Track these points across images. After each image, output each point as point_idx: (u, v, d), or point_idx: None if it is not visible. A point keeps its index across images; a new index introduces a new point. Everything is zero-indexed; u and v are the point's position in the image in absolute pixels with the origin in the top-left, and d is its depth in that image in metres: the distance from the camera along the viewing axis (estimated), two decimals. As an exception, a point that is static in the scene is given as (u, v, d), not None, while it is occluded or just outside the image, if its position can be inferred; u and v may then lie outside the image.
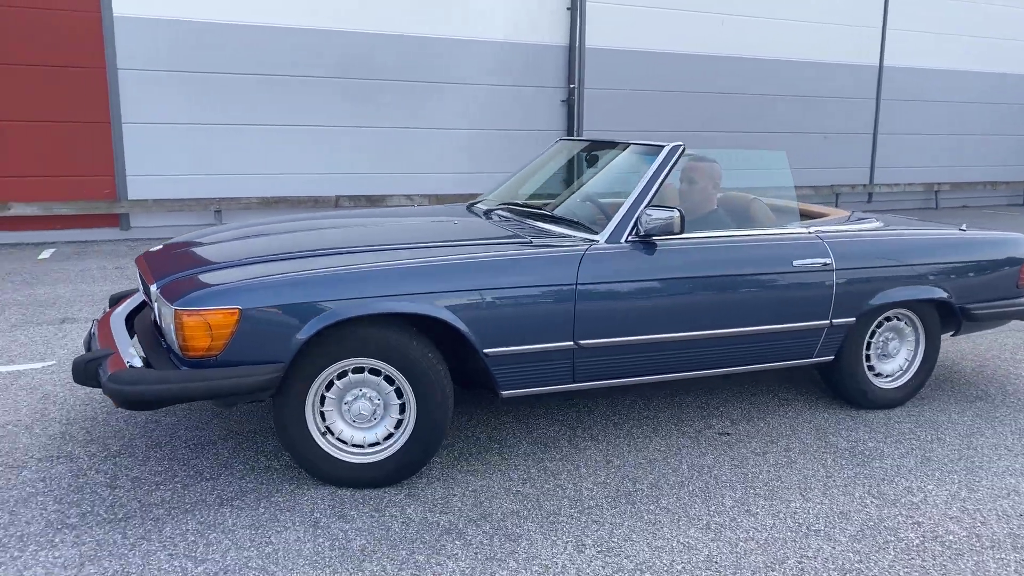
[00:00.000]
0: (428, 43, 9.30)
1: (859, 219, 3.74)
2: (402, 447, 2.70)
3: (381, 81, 9.20)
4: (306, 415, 2.63)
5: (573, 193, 3.66)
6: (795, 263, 3.19)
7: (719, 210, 3.45)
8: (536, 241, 2.99)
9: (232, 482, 2.79)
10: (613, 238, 2.99)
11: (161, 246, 3.31)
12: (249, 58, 8.67)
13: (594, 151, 3.70)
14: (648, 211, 2.94)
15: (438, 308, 2.62)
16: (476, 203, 3.88)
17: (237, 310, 2.44)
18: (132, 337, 2.90)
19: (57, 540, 2.39)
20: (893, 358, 3.62)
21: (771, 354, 3.28)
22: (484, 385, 2.95)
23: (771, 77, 11.24)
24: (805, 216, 3.91)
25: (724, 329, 3.10)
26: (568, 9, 9.83)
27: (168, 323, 2.51)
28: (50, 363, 4.09)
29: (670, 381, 3.53)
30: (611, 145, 3.71)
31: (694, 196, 3.45)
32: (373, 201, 9.38)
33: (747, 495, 2.77)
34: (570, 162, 3.82)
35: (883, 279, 3.37)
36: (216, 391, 2.43)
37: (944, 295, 3.52)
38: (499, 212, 3.59)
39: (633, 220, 3.00)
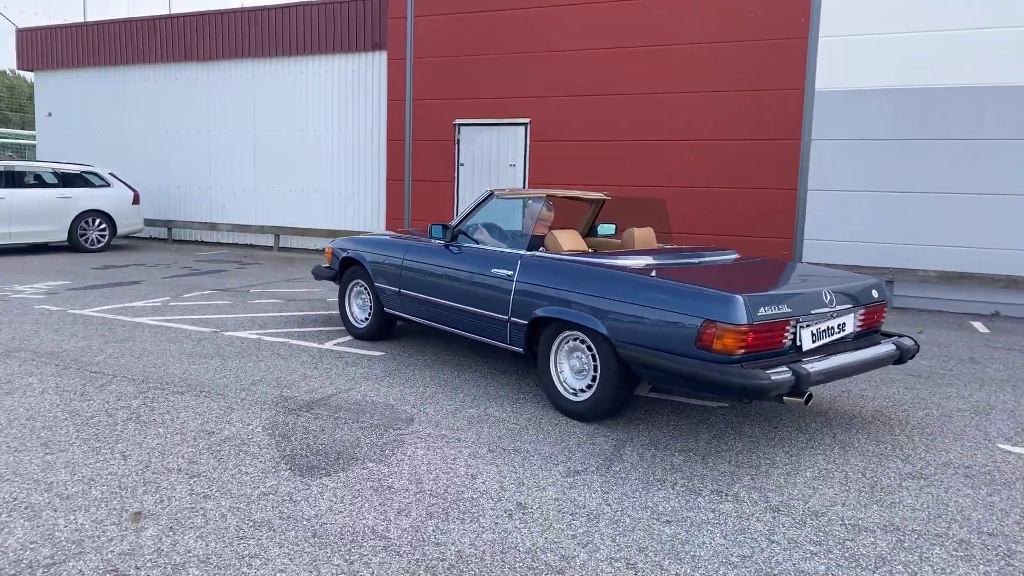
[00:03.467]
0: None
1: (637, 254, 4.43)
2: (370, 323, 5.93)
3: None
4: (346, 299, 6.13)
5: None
6: (492, 271, 4.64)
7: (536, 236, 4.71)
8: (418, 235, 5.79)
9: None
10: (433, 239, 5.32)
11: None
12: (937, 122, 8.08)
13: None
14: (460, 228, 5.16)
15: (362, 257, 5.79)
16: None
17: (330, 248, 6.21)
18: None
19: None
20: (579, 374, 4.18)
21: (484, 330, 4.74)
22: None
23: None
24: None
25: (462, 304, 4.83)
26: None
27: None
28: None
29: (442, 332, 5.17)
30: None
31: (524, 225, 5.22)
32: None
33: None
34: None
35: (542, 296, 4.25)
36: (322, 275, 6.30)
37: (598, 326, 3.89)
38: None
39: (450, 232, 5.15)
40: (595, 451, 3.71)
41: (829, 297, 3.86)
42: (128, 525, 2.80)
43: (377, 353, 5.61)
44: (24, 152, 26.27)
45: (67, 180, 12.03)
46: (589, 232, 6.11)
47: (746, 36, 9.04)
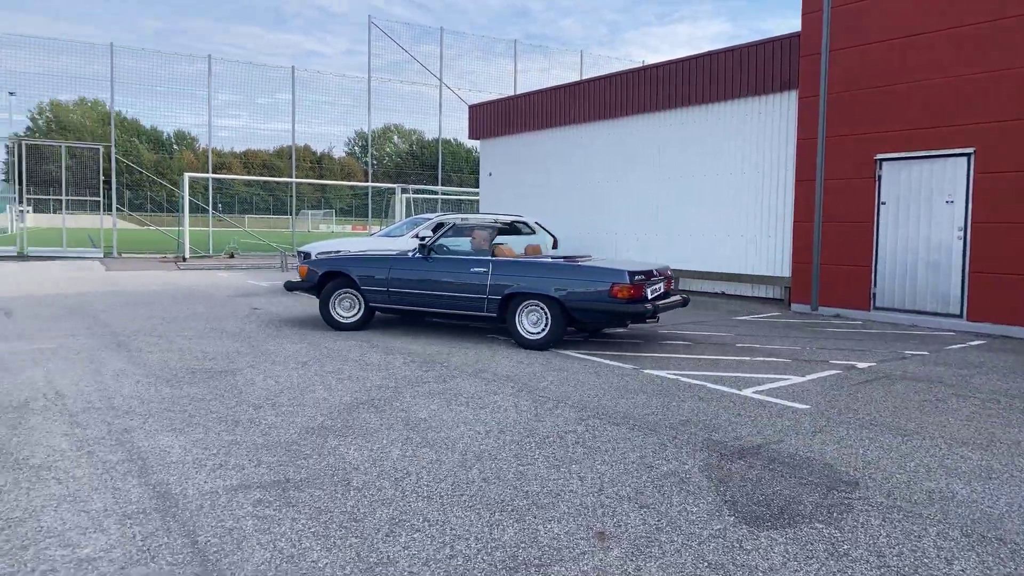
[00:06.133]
0: None
1: (562, 257, 8.29)
2: (360, 318, 8.53)
3: None
4: (329, 302, 8.54)
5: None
6: (471, 269, 7.76)
7: (487, 248, 8.07)
8: (406, 252, 8.82)
9: None
10: (414, 254, 8.22)
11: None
12: None
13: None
14: (431, 244, 8.17)
15: (349, 271, 8.41)
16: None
17: (306, 267, 8.72)
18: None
19: None
20: (536, 324, 7.47)
21: (464, 306, 7.80)
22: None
23: None
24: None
25: (444, 292, 7.86)
26: None
27: None
28: None
29: (424, 314, 8.15)
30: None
31: (474, 242, 8.29)
32: None
33: None
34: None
35: (510, 282, 7.53)
36: (298, 288, 8.85)
37: (553, 294, 7.29)
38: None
39: (427, 248, 8.09)
40: (1120, 560, 2.94)
41: (656, 274, 7.59)
42: (595, 543, 3.07)
43: (802, 406, 5.33)
44: (460, 206, 31.73)
45: (503, 229, 14.15)
46: None
47: None
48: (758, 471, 3.94)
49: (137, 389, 5.48)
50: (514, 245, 9.43)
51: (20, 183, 26.24)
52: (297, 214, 33.49)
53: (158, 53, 26.73)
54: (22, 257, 20.24)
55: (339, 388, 5.69)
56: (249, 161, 61.27)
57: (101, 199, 23.84)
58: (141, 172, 37.46)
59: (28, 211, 28.67)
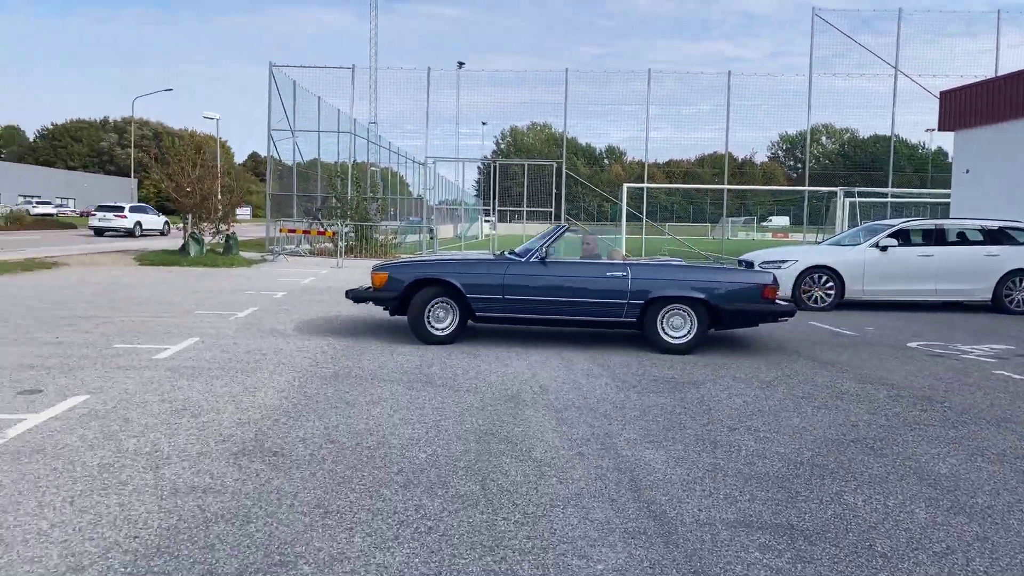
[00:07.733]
0: None
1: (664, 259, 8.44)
2: (454, 329, 7.46)
3: None
4: (424, 314, 7.40)
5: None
6: (607, 274, 7.35)
7: (599, 253, 7.91)
8: (507, 256, 7.85)
9: None
10: (528, 259, 7.45)
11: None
12: None
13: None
14: (546, 250, 7.50)
15: (451, 278, 7.33)
16: None
17: (387, 274, 7.51)
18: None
19: None
20: (678, 328, 7.31)
21: (599, 312, 7.38)
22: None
23: None
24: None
25: (574, 298, 7.34)
26: None
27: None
28: None
29: (545, 321, 7.59)
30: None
31: (586, 248, 7.97)
32: None
33: None
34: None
35: (652, 286, 7.28)
36: (370, 298, 7.64)
37: (701, 296, 7.23)
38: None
39: (536, 253, 7.45)
40: None
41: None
42: None
43: None
44: (903, 210, 27.48)
45: (991, 237, 11.54)
46: None
47: None
48: None
49: (607, 392, 5.59)
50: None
51: (492, 197, 31.10)
52: (717, 222, 33.13)
53: (603, 74, 29.08)
54: (491, 259, 23.93)
55: (815, 417, 5.00)
56: (671, 171, 63.24)
57: (552, 209, 26.84)
58: (579, 184, 41.37)
59: (495, 220, 33.87)
